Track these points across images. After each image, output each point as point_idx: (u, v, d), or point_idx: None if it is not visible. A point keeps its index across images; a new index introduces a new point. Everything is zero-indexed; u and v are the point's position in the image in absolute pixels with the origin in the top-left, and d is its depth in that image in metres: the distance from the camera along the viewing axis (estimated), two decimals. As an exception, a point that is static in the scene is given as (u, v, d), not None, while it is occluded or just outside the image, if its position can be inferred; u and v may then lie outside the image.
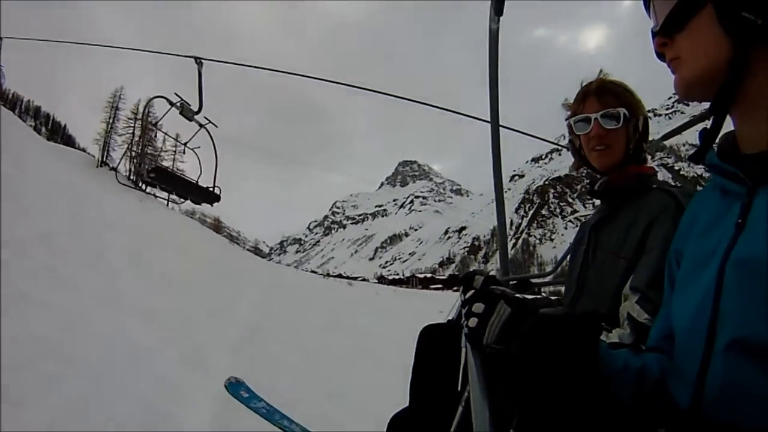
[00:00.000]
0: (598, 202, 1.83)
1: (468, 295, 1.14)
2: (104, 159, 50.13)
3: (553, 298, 2.13)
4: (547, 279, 3.23)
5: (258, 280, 14.49)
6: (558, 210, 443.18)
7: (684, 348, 0.90)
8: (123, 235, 10.71)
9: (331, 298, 17.45)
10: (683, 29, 0.88)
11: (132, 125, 53.00)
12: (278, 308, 10.46)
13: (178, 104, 5.20)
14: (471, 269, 1.30)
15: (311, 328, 9.22)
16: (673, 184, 1.64)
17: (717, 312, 0.80)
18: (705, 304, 0.83)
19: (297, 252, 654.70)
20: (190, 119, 5.44)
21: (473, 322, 1.07)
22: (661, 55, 0.97)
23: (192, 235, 19.27)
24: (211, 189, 5.96)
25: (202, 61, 5.11)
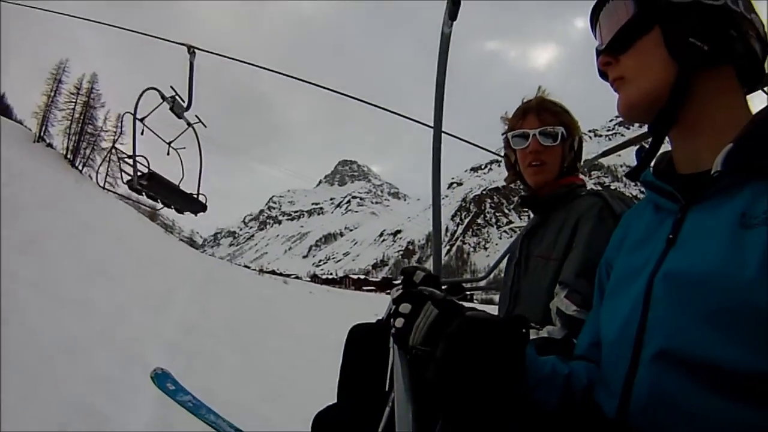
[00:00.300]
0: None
1: (396, 294, 1.13)
2: (42, 134, 46.85)
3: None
4: (479, 284, 3.28)
5: (193, 273, 14.11)
6: (494, 220, 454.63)
7: (611, 357, 0.91)
8: (59, 219, 10.20)
9: (267, 295, 17.18)
10: (629, 49, 0.91)
11: (74, 101, 49.75)
12: (215, 305, 10.18)
13: (170, 99, 4.71)
14: (410, 265, 1.30)
15: (248, 325, 9.01)
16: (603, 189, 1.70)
17: (645, 322, 0.82)
18: (633, 315, 0.85)
19: (231, 245, 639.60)
20: (180, 116, 4.99)
21: (400, 322, 1.06)
22: (604, 74, 0.99)
23: (128, 224, 18.56)
24: (195, 196, 5.56)
25: (196, 50, 4.45)
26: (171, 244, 26.12)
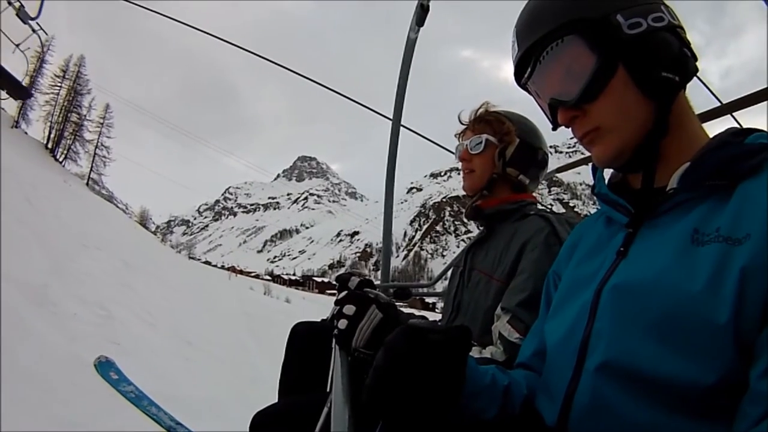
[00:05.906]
0: None
1: (340, 295, 1.11)
2: (20, 118, 42.69)
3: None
4: (427, 290, 3.30)
5: (220, 301, 12.92)
6: (452, 228, 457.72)
7: (555, 365, 0.92)
8: (88, 250, 9.45)
9: (285, 321, 15.37)
10: (598, 97, 0.86)
11: (59, 85, 45.42)
12: (258, 347, 9.05)
13: (16, 3, 4.63)
14: (349, 271, 1.29)
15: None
16: (553, 210, 1.71)
17: (590, 333, 0.83)
18: (579, 324, 0.86)
19: (184, 234, 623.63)
20: (25, 22, 4.97)
21: (343, 324, 1.04)
22: (556, 125, 0.96)
23: (131, 236, 17.22)
24: (21, 83, 5.43)
25: None
26: (178, 260, 23.57)
